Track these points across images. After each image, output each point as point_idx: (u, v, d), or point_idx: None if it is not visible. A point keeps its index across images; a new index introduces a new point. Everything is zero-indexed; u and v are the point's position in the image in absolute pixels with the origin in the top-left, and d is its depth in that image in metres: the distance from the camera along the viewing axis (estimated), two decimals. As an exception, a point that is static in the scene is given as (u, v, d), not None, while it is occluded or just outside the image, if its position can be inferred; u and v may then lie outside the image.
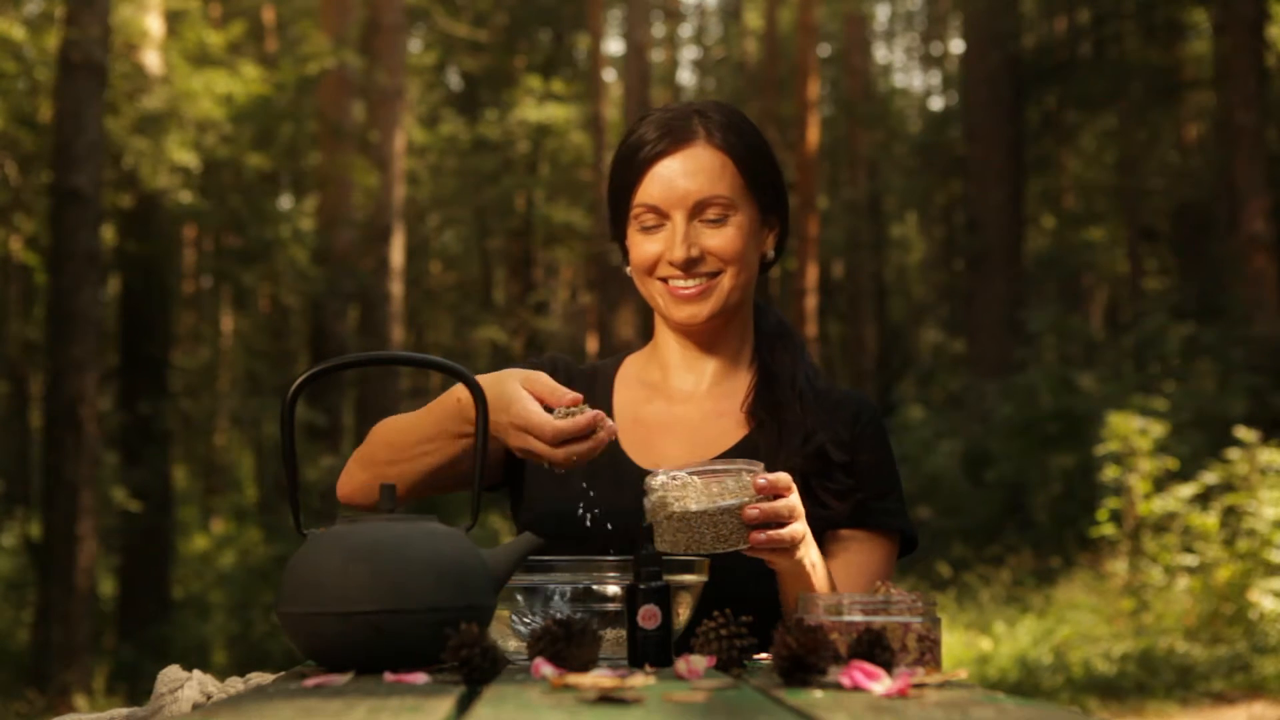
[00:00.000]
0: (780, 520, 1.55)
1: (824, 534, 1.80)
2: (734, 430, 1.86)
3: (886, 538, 1.83)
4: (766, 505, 1.54)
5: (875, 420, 1.88)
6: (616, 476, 1.80)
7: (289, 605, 1.37)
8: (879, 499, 1.83)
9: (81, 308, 9.63)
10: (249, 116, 13.12)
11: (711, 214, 1.80)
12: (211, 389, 16.77)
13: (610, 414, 1.90)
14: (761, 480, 1.54)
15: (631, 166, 1.83)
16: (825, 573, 1.70)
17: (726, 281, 1.81)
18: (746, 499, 1.54)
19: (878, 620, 1.36)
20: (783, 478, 1.56)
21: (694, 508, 1.53)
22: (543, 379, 1.61)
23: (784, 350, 1.92)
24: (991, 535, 12.29)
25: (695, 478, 1.55)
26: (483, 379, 1.64)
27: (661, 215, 1.81)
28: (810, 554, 1.65)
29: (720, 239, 1.80)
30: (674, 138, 1.81)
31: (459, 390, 1.69)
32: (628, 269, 1.90)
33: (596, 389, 1.94)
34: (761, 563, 1.73)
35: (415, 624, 1.34)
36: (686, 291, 1.81)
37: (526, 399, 1.59)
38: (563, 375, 1.93)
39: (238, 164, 13.31)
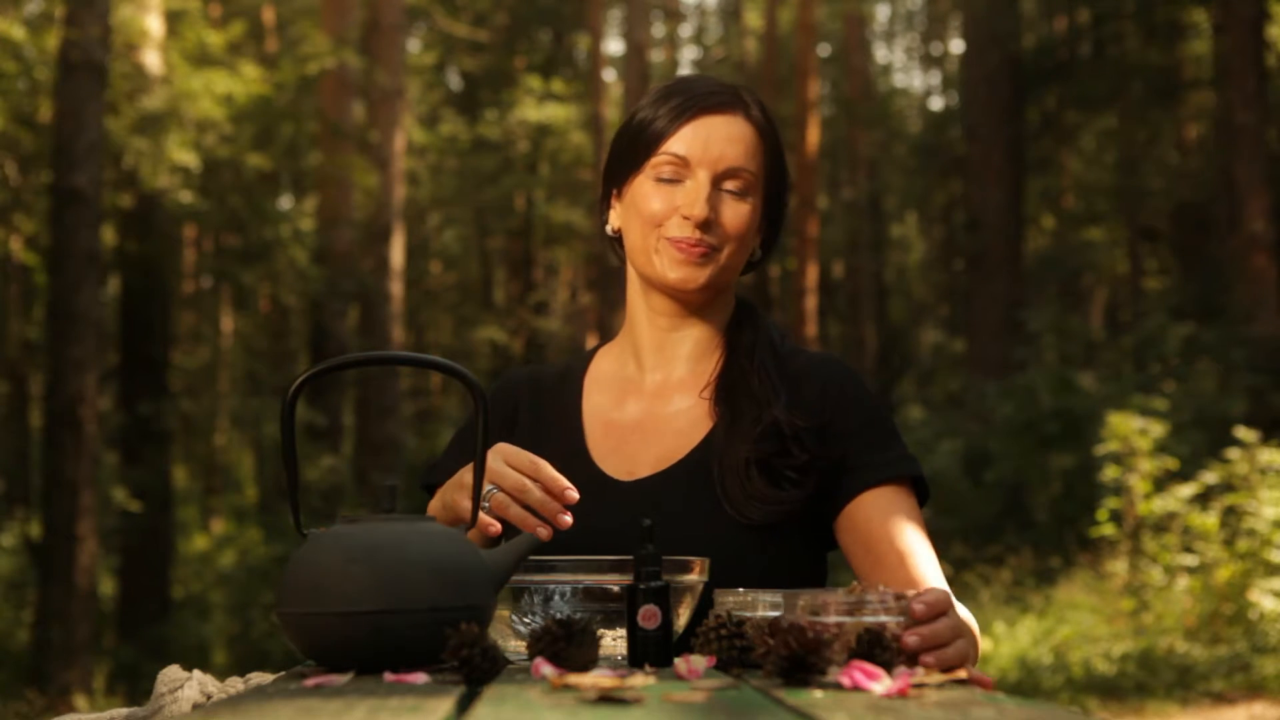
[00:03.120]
0: (942, 642, 1.38)
1: (840, 510, 1.75)
2: (702, 423, 1.81)
3: (902, 486, 1.76)
4: (927, 630, 1.36)
5: (848, 380, 1.81)
6: (588, 491, 1.67)
7: (289, 605, 1.37)
8: (880, 451, 1.77)
9: (81, 308, 9.63)
10: (249, 116, 13.12)
11: (734, 185, 1.76)
12: (211, 389, 16.78)
13: (579, 421, 1.85)
14: (918, 606, 1.37)
15: (669, 112, 1.77)
16: (972, 620, 1.62)
17: (724, 258, 1.77)
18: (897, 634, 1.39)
19: (850, 620, 1.35)
20: (939, 599, 1.39)
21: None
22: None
23: (748, 328, 1.86)
24: (991, 535, 12.28)
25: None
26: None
27: (684, 169, 1.76)
28: (969, 628, 1.55)
29: (734, 214, 1.76)
30: (723, 98, 1.78)
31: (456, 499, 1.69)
32: (610, 229, 1.85)
33: (565, 394, 1.89)
34: (763, 561, 1.72)
35: (415, 624, 1.34)
36: (694, 251, 1.75)
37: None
38: (525, 395, 1.89)
39: (238, 164, 13.31)
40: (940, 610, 1.38)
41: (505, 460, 1.59)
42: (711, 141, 1.75)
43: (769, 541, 1.72)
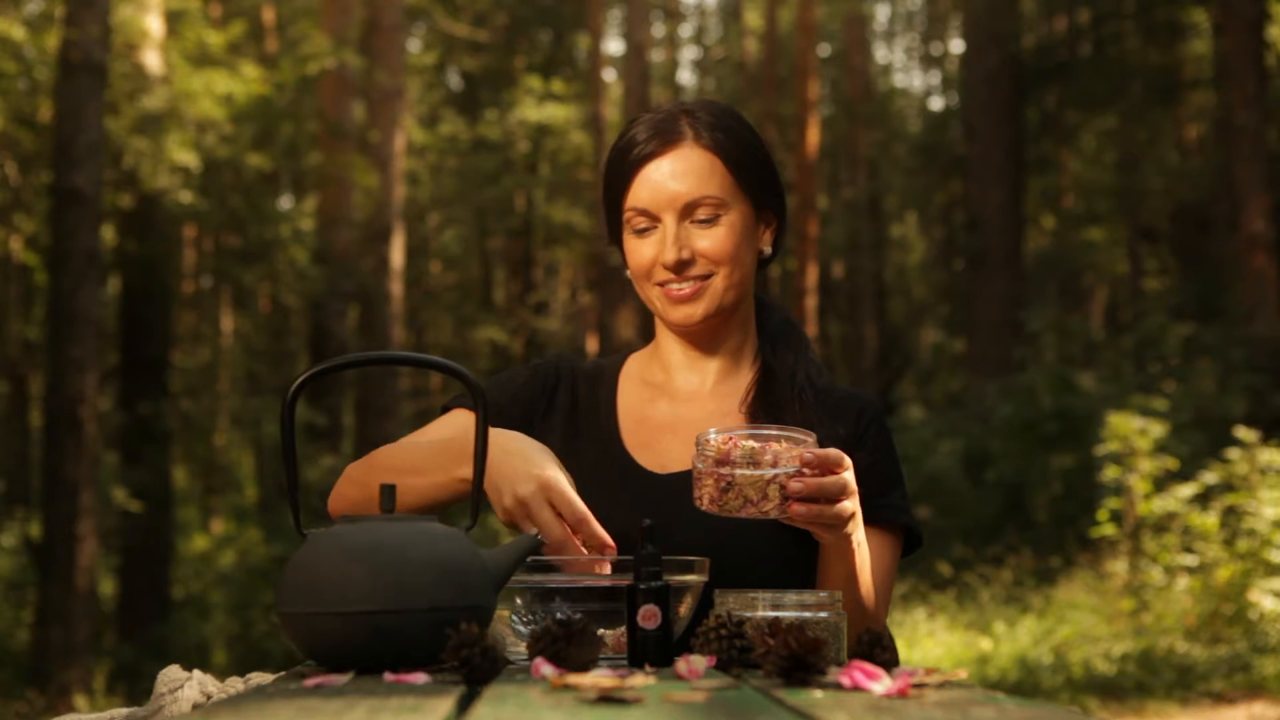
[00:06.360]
0: (828, 496, 1.55)
1: None
2: None
3: (889, 533, 1.83)
4: (812, 480, 1.53)
5: (877, 419, 1.88)
6: (622, 479, 1.81)
7: (289, 605, 1.37)
8: (881, 495, 1.83)
9: (81, 308, 9.63)
10: (249, 116, 13.12)
11: (702, 214, 1.80)
12: (211, 389, 16.77)
13: (614, 413, 1.90)
14: (808, 454, 1.54)
15: (621, 170, 1.83)
16: (868, 555, 1.72)
17: (719, 282, 1.81)
18: (793, 469, 1.53)
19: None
20: (832, 454, 1.55)
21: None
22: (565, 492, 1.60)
23: (786, 348, 1.91)
24: (991, 535, 12.28)
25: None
26: (507, 437, 1.64)
27: (652, 218, 1.81)
28: (858, 534, 1.66)
29: (711, 240, 1.80)
30: (662, 139, 1.81)
31: (463, 436, 1.68)
32: (628, 273, 1.90)
33: (600, 388, 1.93)
34: (762, 559, 1.73)
35: (415, 624, 1.34)
36: (680, 293, 1.81)
37: (564, 479, 1.60)
38: (566, 376, 1.93)
39: (238, 164, 13.31)
40: (830, 466, 1.54)
41: (551, 501, 1.59)
42: (662, 186, 1.80)
43: (789, 543, 1.75)
